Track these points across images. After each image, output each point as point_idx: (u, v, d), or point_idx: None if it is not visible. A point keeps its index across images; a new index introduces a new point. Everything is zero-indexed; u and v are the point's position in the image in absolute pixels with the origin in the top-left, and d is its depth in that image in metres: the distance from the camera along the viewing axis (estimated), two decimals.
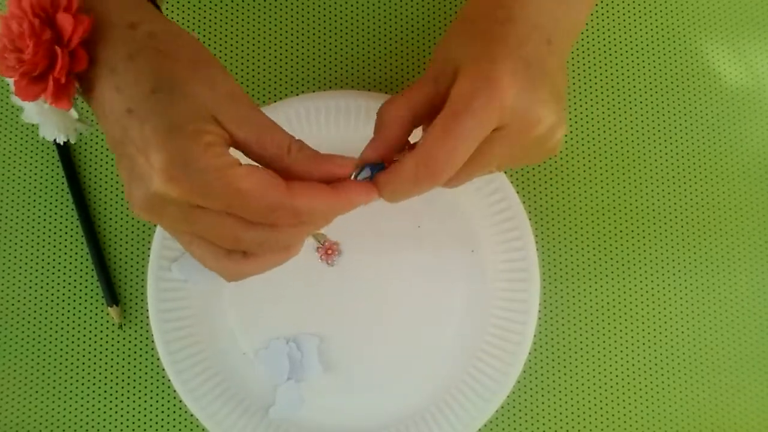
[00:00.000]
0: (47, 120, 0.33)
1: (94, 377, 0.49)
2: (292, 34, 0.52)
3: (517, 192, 0.47)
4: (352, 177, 0.34)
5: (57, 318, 0.49)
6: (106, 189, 0.50)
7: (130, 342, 0.49)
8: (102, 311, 0.49)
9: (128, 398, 0.48)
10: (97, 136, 0.51)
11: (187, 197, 0.28)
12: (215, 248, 0.31)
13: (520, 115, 0.33)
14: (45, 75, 0.30)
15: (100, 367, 0.49)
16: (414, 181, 0.33)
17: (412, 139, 0.37)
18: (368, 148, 0.35)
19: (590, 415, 0.49)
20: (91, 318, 0.49)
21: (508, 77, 0.33)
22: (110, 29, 0.30)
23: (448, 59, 0.35)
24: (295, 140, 0.32)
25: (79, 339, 0.49)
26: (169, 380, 0.46)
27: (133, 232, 0.50)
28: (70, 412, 0.48)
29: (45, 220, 0.50)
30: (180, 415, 0.48)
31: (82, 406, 0.48)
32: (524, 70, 0.34)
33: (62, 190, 0.50)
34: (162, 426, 0.48)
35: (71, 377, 0.48)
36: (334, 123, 0.48)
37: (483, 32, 0.35)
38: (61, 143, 0.34)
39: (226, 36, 0.52)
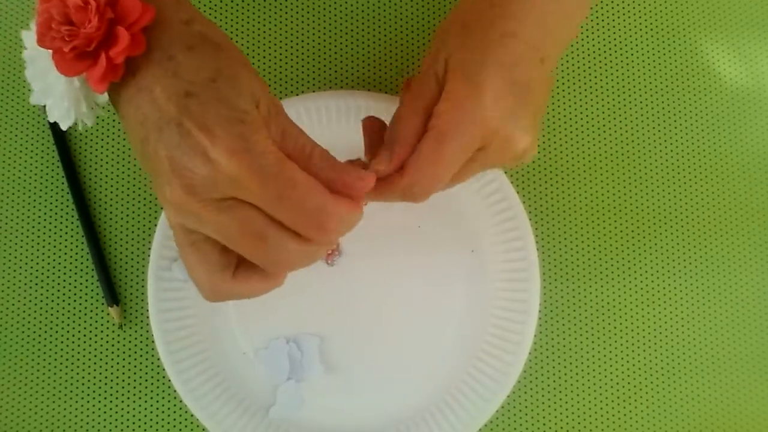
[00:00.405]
0: (70, 99, 0.33)
1: (94, 377, 0.49)
2: (292, 35, 0.52)
3: (517, 192, 0.47)
4: None
5: (57, 318, 0.49)
6: (106, 189, 0.50)
7: (130, 342, 0.49)
8: (102, 311, 0.49)
9: (128, 398, 0.48)
10: (98, 137, 0.51)
11: (244, 177, 0.29)
12: (218, 257, 0.32)
13: (501, 138, 0.35)
14: (95, 53, 0.30)
15: (100, 367, 0.49)
16: (401, 197, 0.36)
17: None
18: (384, 162, 0.35)
19: (590, 415, 0.49)
20: (91, 318, 0.49)
21: (492, 100, 0.34)
22: (167, 23, 0.31)
23: (443, 59, 0.36)
24: (318, 146, 0.32)
25: (79, 339, 0.49)
26: (169, 380, 0.46)
27: (133, 231, 0.50)
28: (70, 412, 0.48)
29: (45, 220, 0.50)
30: (180, 415, 0.48)
31: (82, 406, 0.48)
32: (510, 92, 0.35)
33: (62, 189, 0.50)
34: (162, 426, 0.48)
35: (71, 377, 0.48)
36: (334, 123, 0.48)
37: (480, 42, 0.35)
38: (65, 128, 0.34)
39: None
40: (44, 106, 0.34)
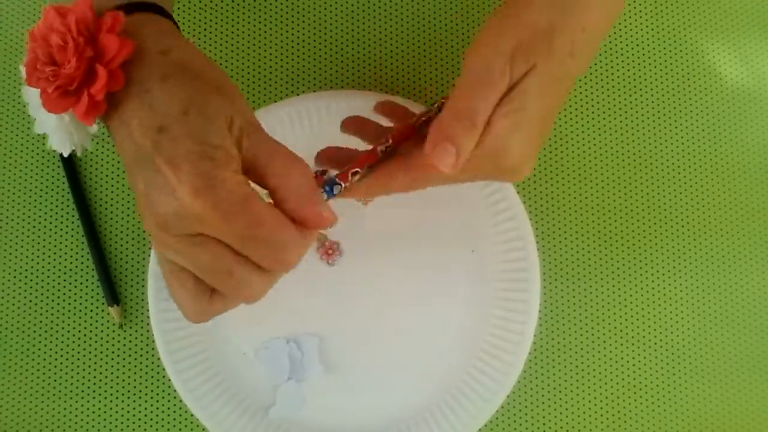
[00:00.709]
0: (63, 131, 0.33)
1: (94, 377, 0.49)
2: (292, 35, 0.52)
3: (517, 192, 0.47)
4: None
5: (57, 318, 0.49)
6: (107, 189, 0.50)
7: (130, 342, 0.49)
8: (102, 311, 0.49)
9: (128, 398, 0.48)
10: (99, 137, 0.51)
11: (209, 216, 0.29)
12: (194, 285, 0.32)
13: (511, 169, 0.36)
14: (78, 90, 0.31)
15: (101, 367, 0.49)
16: (402, 190, 0.37)
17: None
18: (449, 164, 0.35)
19: (590, 415, 0.49)
20: (91, 318, 0.49)
21: (523, 145, 0.35)
22: (144, 54, 0.31)
23: (522, 68, 0.35)
24: (296, 169, 0.32)
25: (79, 339, 0.49)
26: (169, 380, 0.46)
27: (133, 232, 0.50)
28: (70, 412, 0.48)
29: (46, 220, 0.50)
30: (180, 415, 0.48)
31: (82, 406, 0.48)
32: (539, 133, 0.36)
33: (63, 190, 0.50)
34: (162, 426, 0.48)
35: (71, 377, 0.48)
36: (334, 123, 0.48)
37: (550, 77, 0.35)
38: (66, 155, 0.35)
39: (226, 36, 0.52)
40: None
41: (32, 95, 0.33)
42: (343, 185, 0.36)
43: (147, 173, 0.30)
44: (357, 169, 0.37)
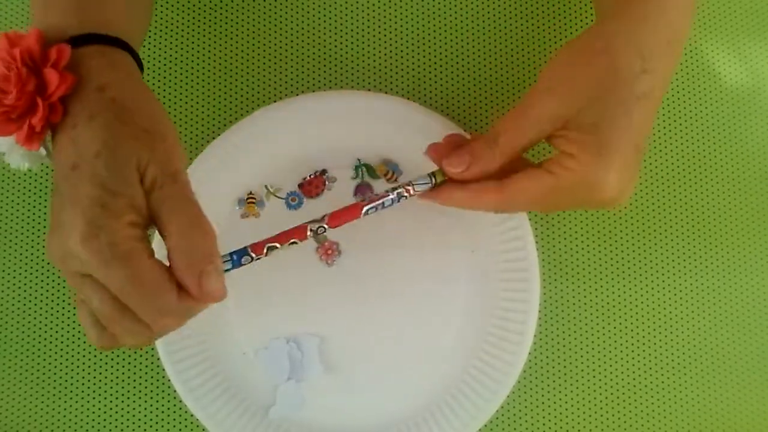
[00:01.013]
0: (15, 151, 0.34)
1: (94, 377, 0.49)
2: (292, 35, 0.52)
3: None
4: (227, 264, 0.35)
5: (57, 318, 0.49)
6: None
7: None
8: None
9: (128, 398, 0.48)
10: None
11: (91, 263, 0.29)
12: (94, 318, 0.32)
13: (604, 204, 0.37)
14: (21, 117, 0.32)
15: (100, 367, 0.49)
16: (486, 209, 0.40)
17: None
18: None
19: (590, 415, 0.49)
20: None
21: (615, 181, 0.35)
22: (81, 89, 0.32)
23: (575, 109, 0.35)
24: (199, 231, 0.31)
25: (79, 339, 0.49)
26: (169, 380, 0.46)
27: None
28: (70, 412, 0.48)
29: (45, 219, 0.50)
30: (180, 415, 0.48)
31: (82, 406, 0.48)
32: (633, 161, 0.36)
33: None
34: (162, 426, 0.48)
35: (71, 377, 0.48)
36: (334, 123, 0.48)
37: (618, 102, 0.35)
38: (25, 170, 0.36)
39: (226, 36, 0.52)
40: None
41: None
42: (253, 257, 0.35)
43: (56, 206, 0.31)
44: (276, 244, 0.36)
